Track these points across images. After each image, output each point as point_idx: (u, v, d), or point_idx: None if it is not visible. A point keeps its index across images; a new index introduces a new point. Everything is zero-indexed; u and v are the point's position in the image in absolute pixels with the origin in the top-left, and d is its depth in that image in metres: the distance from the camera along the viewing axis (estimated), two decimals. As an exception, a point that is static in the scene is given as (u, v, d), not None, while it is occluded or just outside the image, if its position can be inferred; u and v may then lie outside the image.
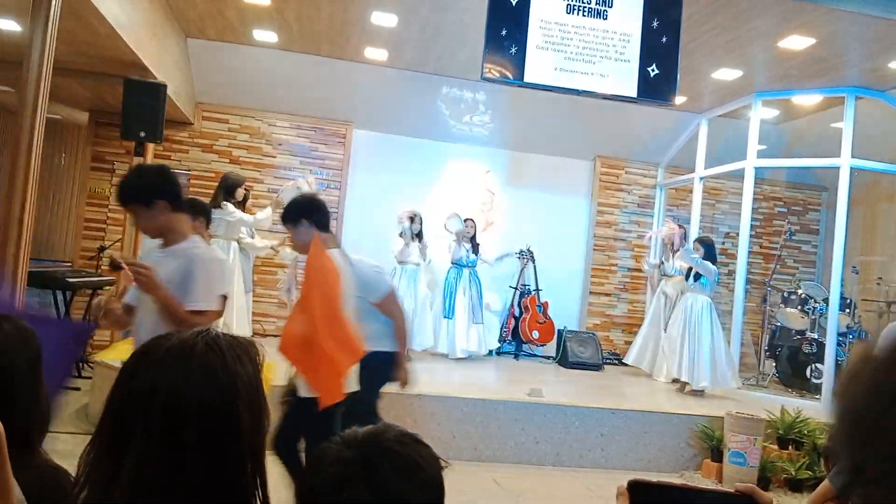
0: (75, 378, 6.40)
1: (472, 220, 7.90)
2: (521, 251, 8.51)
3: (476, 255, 7.84)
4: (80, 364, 6.66)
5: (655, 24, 4.87)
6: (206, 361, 1.02)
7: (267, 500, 1.06)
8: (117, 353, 5.94)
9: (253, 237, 6.64)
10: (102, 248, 7.66)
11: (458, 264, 7.78)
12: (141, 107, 5.84)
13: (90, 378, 6.35)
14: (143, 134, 5.93)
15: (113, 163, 7.94)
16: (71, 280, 6.28)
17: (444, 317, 7.63)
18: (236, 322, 6.25)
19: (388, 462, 0.93)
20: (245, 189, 6.63)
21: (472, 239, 7.83)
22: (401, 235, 7.43)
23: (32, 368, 1.49)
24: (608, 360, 8.34)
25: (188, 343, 1.04)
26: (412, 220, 7.40)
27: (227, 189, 6.32)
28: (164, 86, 6.00)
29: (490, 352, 8.09)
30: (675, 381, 6.97)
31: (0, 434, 1.29)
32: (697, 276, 6.82)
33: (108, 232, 7.82)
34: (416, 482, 0.94)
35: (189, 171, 8.10)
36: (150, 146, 6.71)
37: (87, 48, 5.59)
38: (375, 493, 0.90)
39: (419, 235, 7.48)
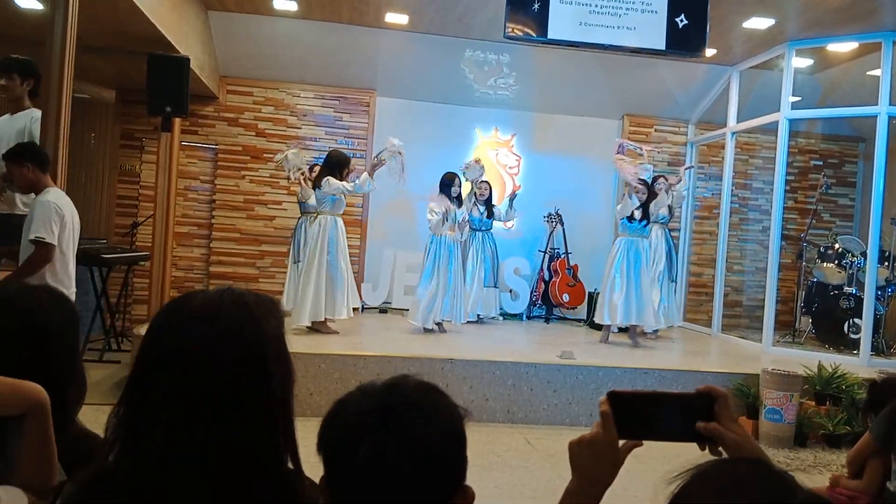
0: (114, 351, 6.58)
1: (486, 181, 7.68)
2: (550, 214, 8.44)
3: (491, 217, 7.71)
4: (119, 338, 6.84)
5: (682, -28, 4.72)
6: (233, 317, 1.02)
7: (296, 453, 1.07)
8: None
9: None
10: (136, 224, 7.79)
11: (471, 227, 7.57)
12: (165, 82, 5.86)
13: (129, 351, 6.52)
14: (168, 109, 5.95)
15: (142, 139, 8.03)
16: (106, 256, 6.40)
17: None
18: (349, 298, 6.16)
19: (409, 410, 0.93)
20: (350, 170, 6.38)
21: (488, 201, 7.68)
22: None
23: (69, 333, 1.53)
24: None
25: (215, 300, 1.04)
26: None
27: (332, 168, 6.14)
28: (187, 59, 6.01)
29: (503, 314, 8.08)
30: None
31: (44, 399, 1.33)
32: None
33: (141, 208, 7.94)
34: (438, 429, 0.94)
35: (216, 145, 8.16)
36: (177, 121, 6.77)
37: (108, 25, 5.61)
38: (397, 441, 0.90)
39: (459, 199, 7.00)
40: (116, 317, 7.02)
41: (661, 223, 7.57)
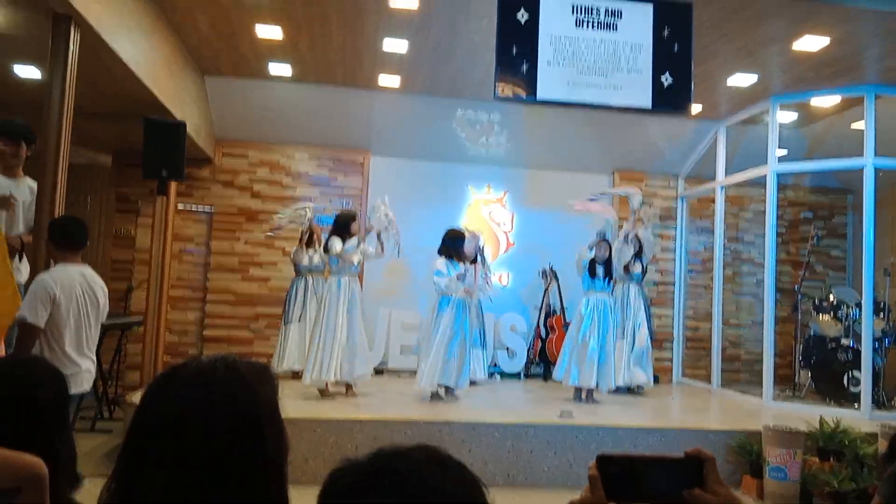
0: (106, 419, 6.44)
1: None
2: (544, 270, 8.45)
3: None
4: (112, 406, 6.71)
5: (666, 32, 4.85)
6: (227, 384, 1.04)
7: None
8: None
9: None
10: (130, 289, 7.75)
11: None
12: (162, 146, 5.92)
13: (121, 420, 6.39)
14: (165, 173, 6.00)
15: (137, 202, 8.07)
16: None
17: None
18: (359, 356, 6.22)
19: (409, 462, 0.91)
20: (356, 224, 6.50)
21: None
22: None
23: (59, 405, 1.51)
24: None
25: (208, 368, 1.06)
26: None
27: (338, 230, 6.19)
28: (184, 124, 6.10)
29: (496, 374, 8.00)
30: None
31: (43, 472, 1.29)
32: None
33: (136, 272, 7.92)
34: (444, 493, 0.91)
35: (212, 207, 8.20)
36: (173, 184, 6.82)
37: (106, 90, 5.72)
38: (404, 489, 0.87)
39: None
40: (109, 384, 6.91)
41: (636, 282, 7.50)
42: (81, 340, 3.71)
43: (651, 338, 7.49)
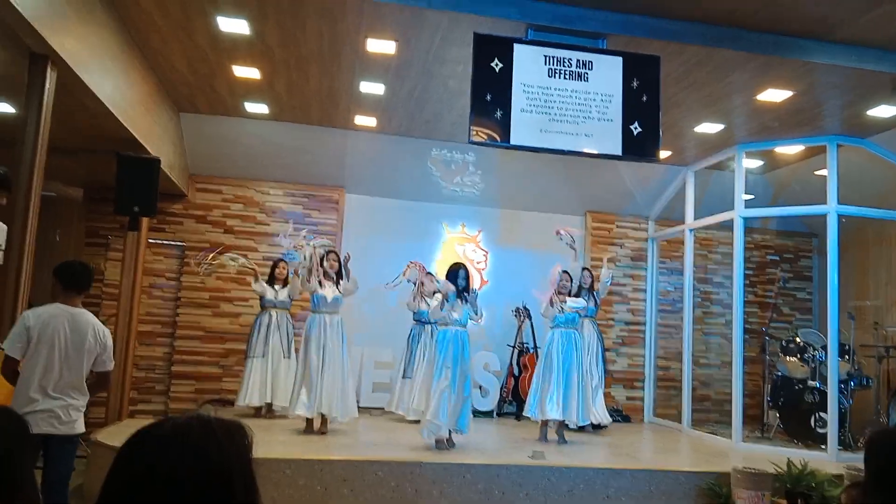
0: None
1: (431, 274, 7.64)
2: (518, 308, 8.50)
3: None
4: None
5: (635, 83, 5.00)
6: (201, 444, 1.07)
7: None
8: (113, 433, 5.86)
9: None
10: (97, 323, 7.61)
11: (420, 320, 7.55)
12: (134, 182, 5.91)
13: (85, 457, 6.23)
14: (137, 209, 5.98)
15: (108, 237, 7.99)
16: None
17: (403, 377, 7.46)
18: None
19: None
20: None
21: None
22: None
23: (15, 452, 1.51)
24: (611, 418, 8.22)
25: (182, 427, 1.09)
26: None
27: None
28: (158, 160, 6.09)
29: (474, 412, 7.91)
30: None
31: None
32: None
33: (103, 307, 7.79)
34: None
35: (184, 242, 8.15)
36: (145, 219, 6.78)
37: (80, 126, 5.71)
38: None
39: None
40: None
41: (590, 317, 7.59)
42: (49, 380, 3.68)
43: (603, 375, 7.58)
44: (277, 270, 7.36)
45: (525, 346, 8.42)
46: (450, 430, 5.81)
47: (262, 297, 7.34)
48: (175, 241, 8.16)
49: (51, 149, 4.43)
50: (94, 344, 3.83)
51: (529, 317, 8.41)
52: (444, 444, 5.78)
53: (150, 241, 7.83)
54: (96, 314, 7.64)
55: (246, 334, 7.84)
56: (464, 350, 5.89)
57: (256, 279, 7.35)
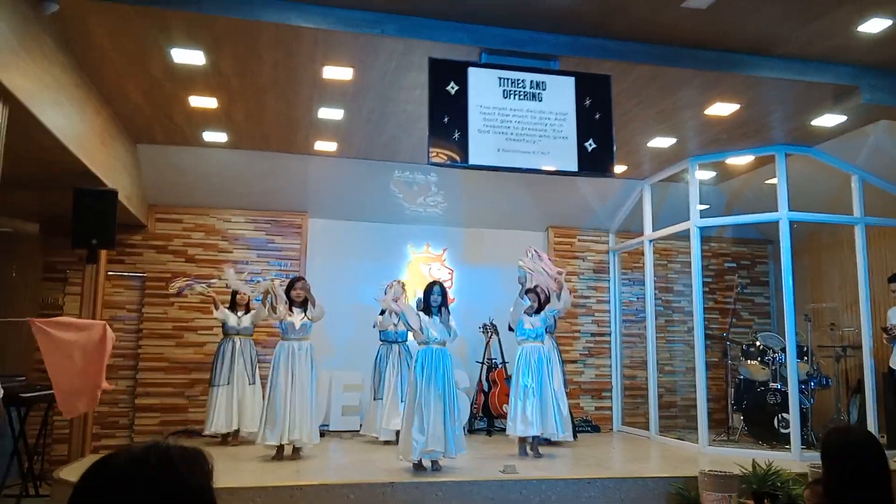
0: (32, 497, 6.12)
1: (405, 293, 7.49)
2: (485, 324, 8.56)
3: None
4: (37, 482, 6.38)
5: (588, 102, 5.15)
6: (158, 475, 1.07)
7: None
8: (76, 470, 5.73)
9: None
10: (57, 359, 7.45)
11: (386, 340, 7.56)
12: (92, 215, 5.84)
13: (48, 496, 6.08)
14: (95, 241, 5.91)
15: (66, 271, 7.84)
16: (25, 395, 6.07)
17: (374, 398, 7.44)
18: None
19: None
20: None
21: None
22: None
23: None
24: (580, 429, 8.32)
25: (139, 458, 1.09)
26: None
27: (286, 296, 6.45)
28: (115, 192, 6.04)
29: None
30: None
31: None
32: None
33: (63, 342, 7.63)
34: None
35: (144, 273, 8.05)
36: (103, 251, 6.69)
37: (34, 161, 5.62)
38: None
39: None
40: (35, 459, 6.57)
41: (549, 332, 7.51)
42: None
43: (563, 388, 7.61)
44: (239, 297, 7.34)
45: (493, 361, 8.47)
46: (441, 454, 5.63)
47: (224, 324, 7.32)
48: (135, 272, 8.06)
49: (5, 184, 4.37)
50: None
51: (497, 332, 8.48)
52: (422, 467, 5.65)
53: (110, 273, 7.71)
54: (56, 350, 7.55)
55: (211, 364, 7.77)
56: (448, 370, 5.89)
57: (216, 307, 7.31)
